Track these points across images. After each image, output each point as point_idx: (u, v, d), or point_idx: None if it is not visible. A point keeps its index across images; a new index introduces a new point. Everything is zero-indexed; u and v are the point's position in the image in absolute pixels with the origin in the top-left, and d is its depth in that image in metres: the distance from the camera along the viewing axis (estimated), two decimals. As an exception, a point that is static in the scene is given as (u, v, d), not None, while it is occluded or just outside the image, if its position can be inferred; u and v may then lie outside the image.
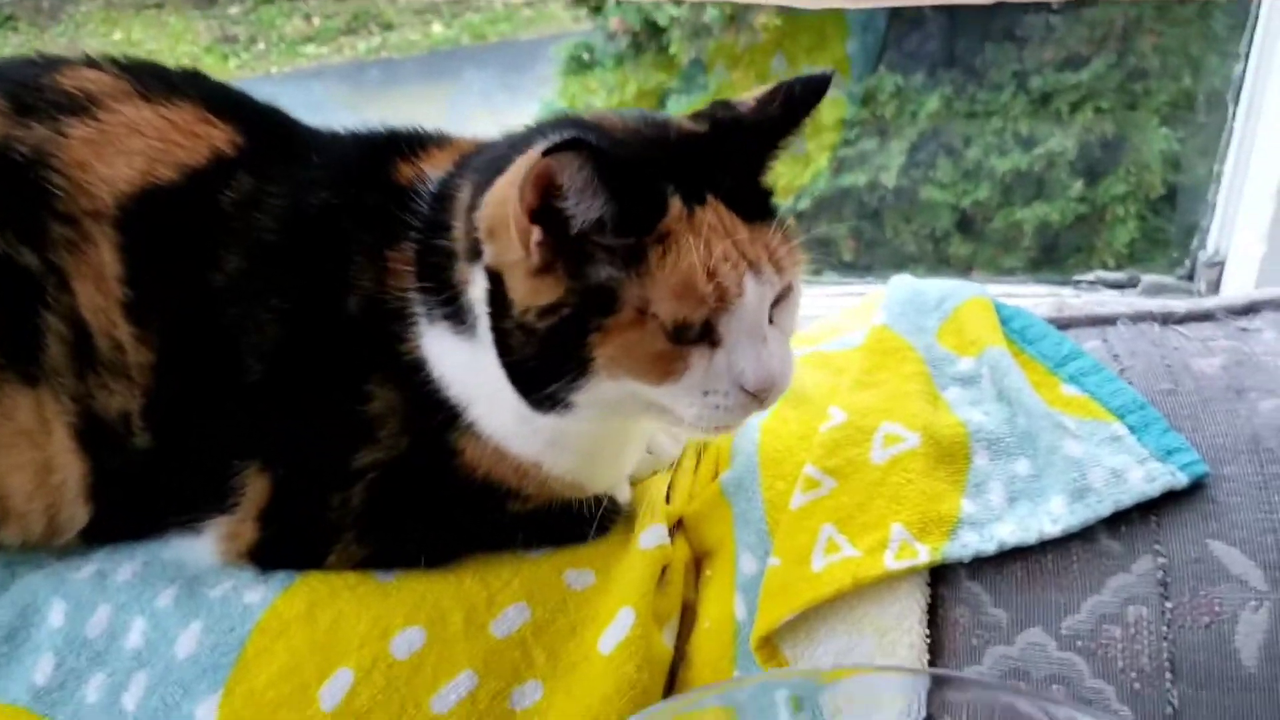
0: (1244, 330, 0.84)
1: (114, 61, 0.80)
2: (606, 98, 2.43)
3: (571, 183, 0.61)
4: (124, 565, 0.79)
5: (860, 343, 0.86)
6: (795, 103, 0.69)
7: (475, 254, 0.68)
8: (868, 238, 2.54)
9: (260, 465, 0.75)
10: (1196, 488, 0.72)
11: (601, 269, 0.64)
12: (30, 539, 0.79)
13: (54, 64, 0.79)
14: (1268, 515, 0.71)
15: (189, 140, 0.77)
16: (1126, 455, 0.73)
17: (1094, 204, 2.38)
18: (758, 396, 0.66)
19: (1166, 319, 0.87)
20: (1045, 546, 0.71)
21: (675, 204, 0.64)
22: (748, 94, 0.71)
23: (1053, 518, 0.71)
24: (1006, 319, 0.85)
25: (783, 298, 0.68)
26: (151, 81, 0.79)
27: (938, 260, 2.52)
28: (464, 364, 0.72)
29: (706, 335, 0.65)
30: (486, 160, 0.71)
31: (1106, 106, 2.38)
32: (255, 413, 0.75)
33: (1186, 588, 0.69)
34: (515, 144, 0.70)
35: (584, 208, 0.62)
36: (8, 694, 0.75)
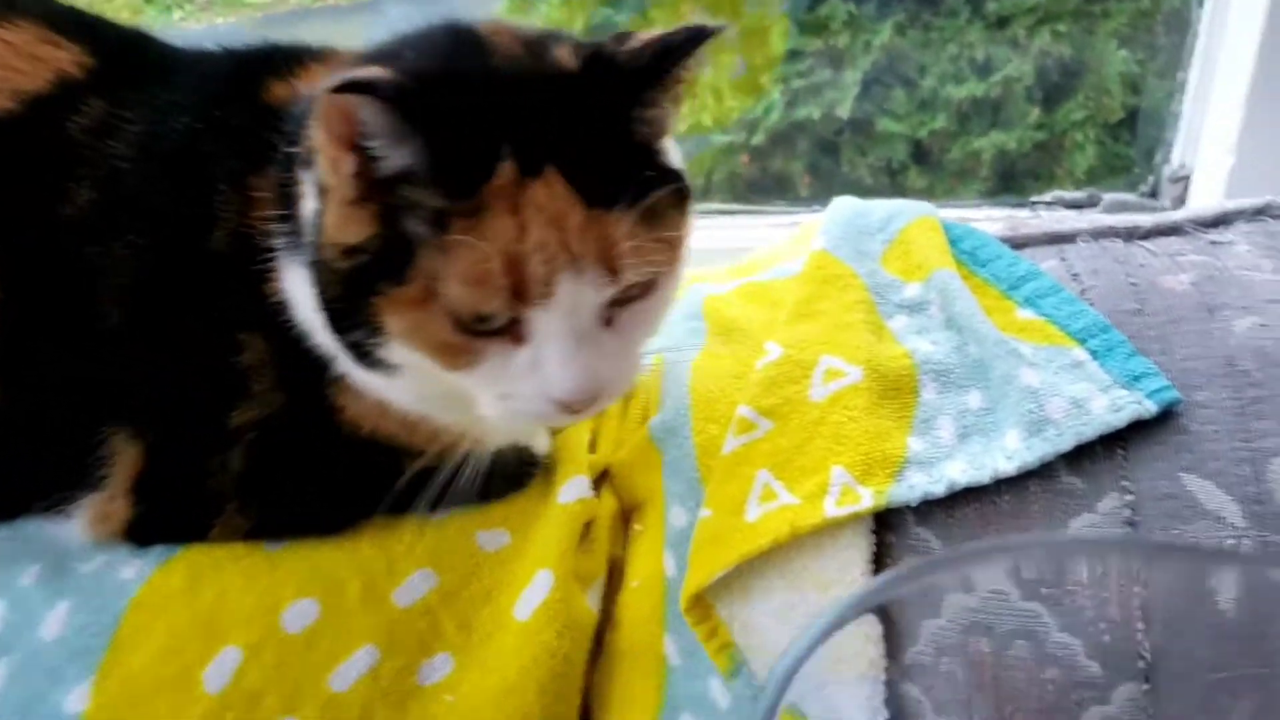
0: (1215, 244, 0.77)
1: None
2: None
3: (373, 126, 0.53)
4: (-18, 539, 0.71)
5: (799, 271, 0.79)
6: (669, 50, 0.57)
7: (309, 163, 0.59)
8: (824, 171, 2.47)
9: (130, 432, 0.67)
10: (1166, 416, 0.65)
11: (411, 223, 0.55)
12: None
13: None
14: (1245, 444, 0.64)
15: (29, 64, 0.67)
16: (1088, 383, 0.67)
17: (1052, 130, 2.32)
18: (570, 407, 0.58)
19: (1131, 234, 0.80)
20: (1000, 486, 0.64)
21: (506, 170, 0.54)
22: (648, 32, 0.59)
23: (1008, 454, 0.64)
24: (956, 239, 0.78)
25: (635, 297, 0.58)
26: None
27: (895, 193, 2.45)
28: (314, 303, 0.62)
29: (509, 330, 0.56)
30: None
31: (1063, 29, 2.31)
32: (116, 367, 0.66)
33: (1158, 526, 0.63)
34: (383, 54, 0.61)
35: (391, 153, 0.54)
36: None
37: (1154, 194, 1.16)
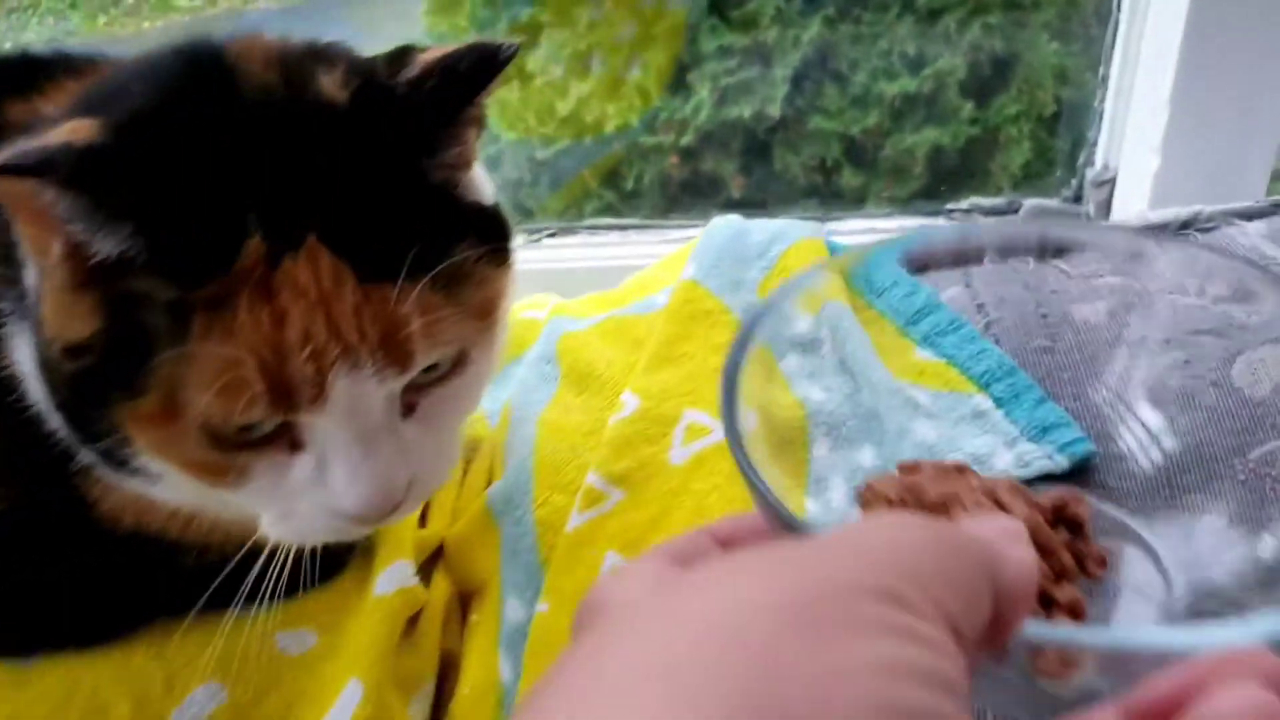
0: (1134, 258, 0.68)
1: None
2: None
3: (64, 211, 0.41)
4: None
5: (664, 304, 0.68)
6: (454, 80, 0.46)
7: None
8: (756, 173, 2.40)
9: None
10: (1080, 470, 0.56)
11: (142, 315, 0.43)
12: None
13: None
14: (1169, 501, 0.55)
15: None
16: (992, 435, 0.57)
17: (986, 125, 2.26)
18: (365, 520, 0.48)
19: (1043, 251, 0.70)
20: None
21: (254, 247, 0.43)
22: (436, 49, 0.48)
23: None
24: (847, 262, 0.68)
25: (441, 378, 0.48)
26: None
27: (830, 193, 2.38)
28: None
29: (281, 436, 0.46)
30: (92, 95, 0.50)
31: (994, 21, 2.25)
32: None
33: None
34: (104, 93, 0.48)
35: (98, 239, 0.42)
36: None
37: (1078, 198, 1.07)
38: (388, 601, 0.57)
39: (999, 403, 0.58)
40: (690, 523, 0.56)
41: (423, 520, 0.63)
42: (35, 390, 0.50)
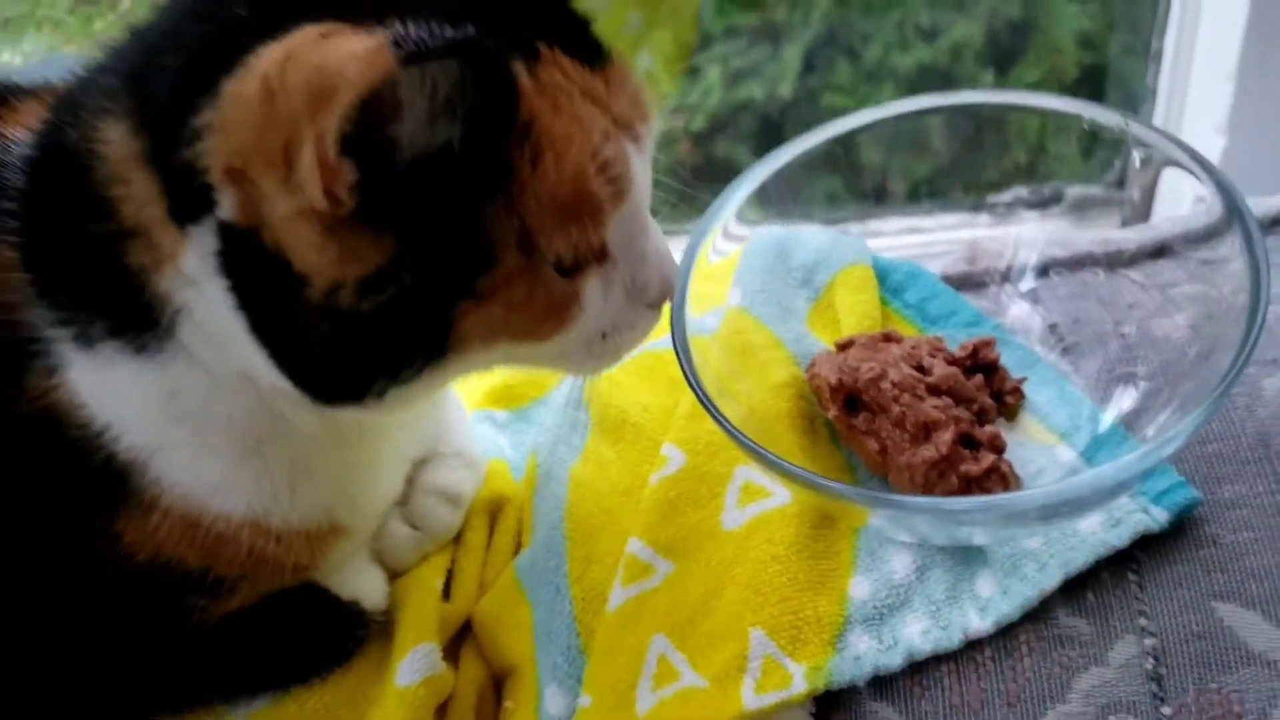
0: (1209, 263, 0.61)
1: None
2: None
3: (428, 99, 0.40)
4: None
5: (715, 330, 0.61)
6: None
7: (190, 210, 0.43)
8: (770, 153, 2.35)
9: None
10: (1185, 526, 0.50)
11: (444, 207, 0.42)
12: None
13: None
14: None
15: None
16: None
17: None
18: (668, 291, 0.50)
19: (1113, 262, 0.64)
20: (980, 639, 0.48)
21: (521, 74, 0.43)
22: None
23: (980, 604, 0.48)
24: (898, 289, 0.61)
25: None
26: None
27: (850, 170, 2.32)
28: (152, 395, 0.47)
29: (596, 255, 0.47)
30: (126, 77, 0.45)
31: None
32: None
33: (1190, 679, 0.47)
34: (167, 39, 0.44)
35: (432, 129, 0.41)
36: None
37: (1121, 183, 0.99)
38: (413, 693, 0.51)
39: (1082, 452, 0.52)
40: (746, 600, 0.49)
41: (446, 593, 0.57)
42: (102, 412, 0.47)
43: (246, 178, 0.40)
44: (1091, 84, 2.15)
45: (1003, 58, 2.27)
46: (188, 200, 0.42)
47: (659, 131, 0.50)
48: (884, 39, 2.29)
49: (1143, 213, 1.02)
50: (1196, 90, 0.92)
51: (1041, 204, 1.00)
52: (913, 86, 2.29)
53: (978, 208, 1.03)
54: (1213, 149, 0.87)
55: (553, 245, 0.44)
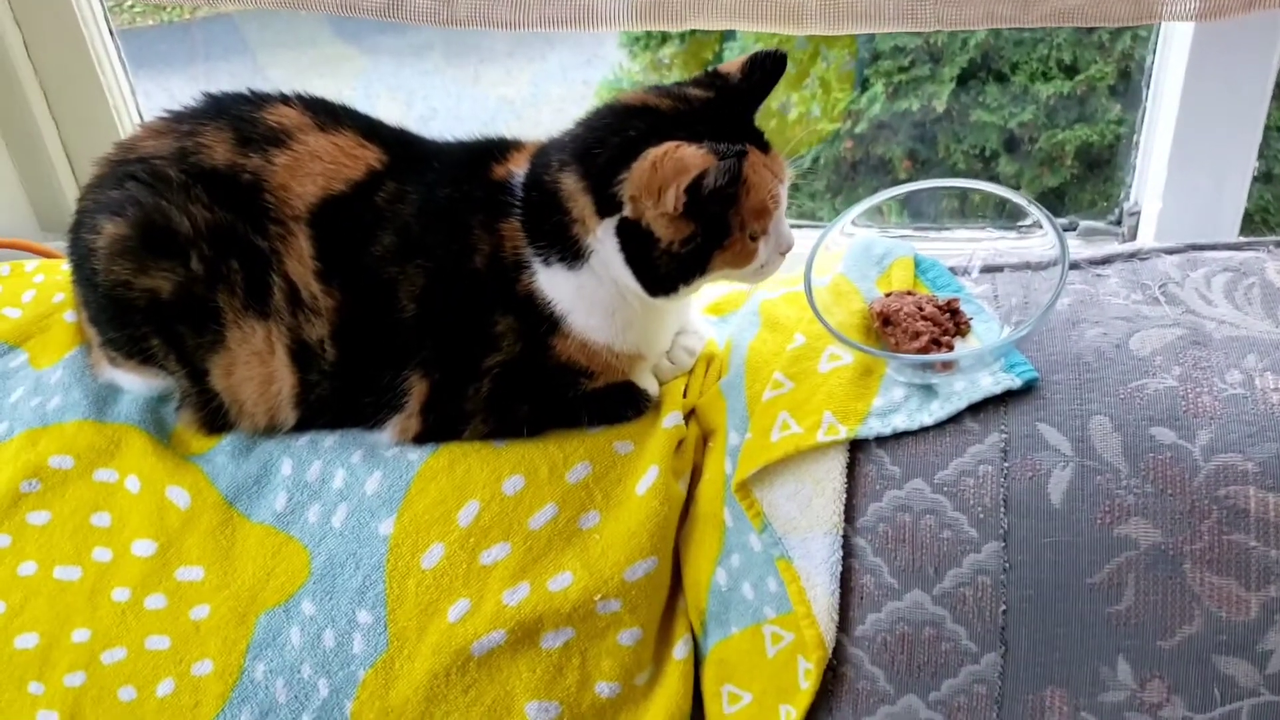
0: (1097, 276, 1.18)
1: (299, 98, 1.15)
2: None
3: (719, 172, 0.95)
4: (328, 436, 1.20)
5: (826, 284, 1.22)
6: (768, 72, 1.06)
7: (607, 211, 1.02)
8: (922, 157, 2.79)
9: (420, 374, 1.14)
10: (1031, 388, 1.07)
11: (713, 209, 0.99)
12: (256, 432, 1.21)
13: (260, 101, 1.14)
14: (1078, 407, 1.05)
15: (351, 160, 1.13)
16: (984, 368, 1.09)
17: (1132, 126, 2.59)
18: (785, 254, 1.08)
19: (1020, 267, 1.21)
20: (929, 427, 1.08)
21: (747, 155, 0.98)
22: (727, 65, 1.06)
23: (929, 412, 1.07)
24: (924, 269, 1.20)
25: None
26: (323, 115, 1.12)
27: (988, 177, 2.74)
28: (571, 288, 1.07)
29: (766, 232, 1.04)
30: (575, 151, 1.05)
31: (1145, 34, 2.57)
32: (412, 337, 1.14)
33: (1019, 454, 1.02)
34: (597, 137, 1.05)
35: (717, 181, 0.96)
36: (258, 517, 1.18)
37: (1119, 223, 1.53)
38: (670, 431, 1.14)
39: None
40: (825, 400, 1.09)
41: (684, 394, 1.21)
42: (549, 294, 1.09)
43: (639, 200, 1.02)
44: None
45: (1132, 94, 2.67)
46: (607, 207, 1.04)
47: (794, 176, 1.06)
48: (1029, 68, 2.70)
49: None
50: (1154, 166, 1.45)
51: (1069, 230, 1.54)
52: (1051, 112, 2.69)
53: (1011, 228, 1.58)
54: (1153, 211, 1.41)
55: (750, 228, 1.02)
